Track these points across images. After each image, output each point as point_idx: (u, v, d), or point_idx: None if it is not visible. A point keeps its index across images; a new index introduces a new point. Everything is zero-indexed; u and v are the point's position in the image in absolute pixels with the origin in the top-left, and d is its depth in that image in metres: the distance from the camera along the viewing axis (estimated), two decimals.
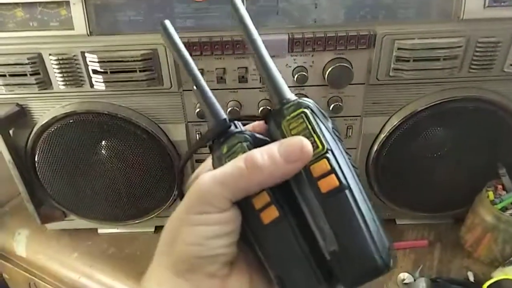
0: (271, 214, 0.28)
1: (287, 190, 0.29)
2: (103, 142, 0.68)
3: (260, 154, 0.28)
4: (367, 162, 0.71)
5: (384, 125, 0.67)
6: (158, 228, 0.82)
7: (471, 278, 0.70)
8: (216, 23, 0.59)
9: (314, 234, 0.28)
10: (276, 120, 0.30)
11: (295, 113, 0.29)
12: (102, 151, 0.68)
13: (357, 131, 0.69)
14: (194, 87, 0.32)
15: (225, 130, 0.31)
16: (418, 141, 0.68)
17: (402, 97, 0.65)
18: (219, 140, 0.31)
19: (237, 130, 0.31)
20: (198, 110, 0.64)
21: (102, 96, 0.65)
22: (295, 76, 0.62)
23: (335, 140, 0.29)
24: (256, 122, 0.32)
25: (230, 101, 0.65)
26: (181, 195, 0.33)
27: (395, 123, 0.66)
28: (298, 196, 0.29)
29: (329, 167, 0.28)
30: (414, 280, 0.68)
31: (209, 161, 0.33)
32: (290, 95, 0.31)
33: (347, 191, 0.28)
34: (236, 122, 0.32)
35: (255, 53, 0.32)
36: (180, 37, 0.60)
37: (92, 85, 0.63)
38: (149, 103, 0.66)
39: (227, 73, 0.63)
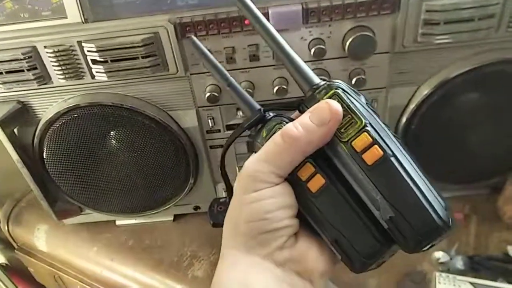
0: (318, 182, 0.30)
1: (333, 168, 0.30)
2: (112, 134, 0.64)
3: (293, 126, 0.29)
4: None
5: (413, 95, 0.61)
6: (177, 217, 0.79)
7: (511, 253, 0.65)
8: None
9: (367, 206, 0.29)
10: (310, 106, 0.31)
11: (328, 95, 0.30)
12: (111, 143, 0.65)
13: (382, 103, 0.63)
14: (227, 87, 0.35)
15: (262, 118, 0.33)
16: (451, 110, 0.62)
17: (432, 64, 0.59)
18: (256, 128, 0.33)
19: (273, 115, 0.33)
20: (208, 94, 0.60)
21: (106, 87, 0.60)
22: (312, 50, 0.56)
23: (371, 114, 0.30)
24: (293, 114, 0.34)
25: (242, 82, 0.60)
26: (224, 178, 0.36)
27: (425, 93, 0.60)
28: (346, 174, 0.29)
29: (371, 139, 0.28)
30: (450, 258, 0.64)
31: None
32: (318, 80, 0.32)
33: (392, 159, 0.28)
34: (270, 112, 0.34)
35: (274, 46, 0.34)
36: (182, 17, 0.54)
37: (93, 76, 0.58)
38: (155, 90, 0.61)
39: (236, 52, 0.57)
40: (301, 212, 0.31)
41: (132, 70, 0.57)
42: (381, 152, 0.28)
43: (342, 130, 0.29)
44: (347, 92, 0.30)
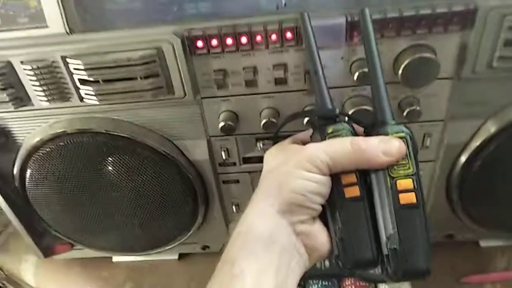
0: (353, 192, 0.35)
1: (369, 188, 0.35)
2: (105, 166, 0.53)
3: (364, 141, 0.35)
4: (449, 177, 0.54)
5: (477, 130, 0.49)
6: (183, 256, 0.68)
7: None
8: (241, 6, 0.42)
9: (379, 230, 0.35)
10: (377, 134, 0.36)
11: (398, 135, 0.35)
12: (105, 176, 0.54)
13: (437, 139, 0.51)
14: (313, 73, 0.38)
15: (333, 117, 0.37)
16: None
17: (507, 95, 0.46)
18: (322, 122, 0.37)
19: (343, 121, 0.37)
20: (222, 124, 0.48)
21: (98, 111, 0.50)
22: (355, 74, 0.44)
23: (418, 165, 0.35)
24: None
25: (264, 109, 0.49)
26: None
27: (494, 129, 0.48)
28: (377, 199, 0.35)
29: (412, 186, 0.34)
30: None
31: (304, 133, 0.42)
32: (390, 117, 0.37)
33: (419, 209, 0.34)
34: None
35: (372, 69, 0.38)
36: (192, 28, 0.41)
37: (81, 99, 0.47)
38: (158, 116, 0.50)
39: (258, 74, 0.46)
40: (325, 205, 0.36)
41: (129, 93, 0.46)
42: (415, 200, 0.34)
43: (395, 167, 0.35)
44: (412, 140, 0.35)
